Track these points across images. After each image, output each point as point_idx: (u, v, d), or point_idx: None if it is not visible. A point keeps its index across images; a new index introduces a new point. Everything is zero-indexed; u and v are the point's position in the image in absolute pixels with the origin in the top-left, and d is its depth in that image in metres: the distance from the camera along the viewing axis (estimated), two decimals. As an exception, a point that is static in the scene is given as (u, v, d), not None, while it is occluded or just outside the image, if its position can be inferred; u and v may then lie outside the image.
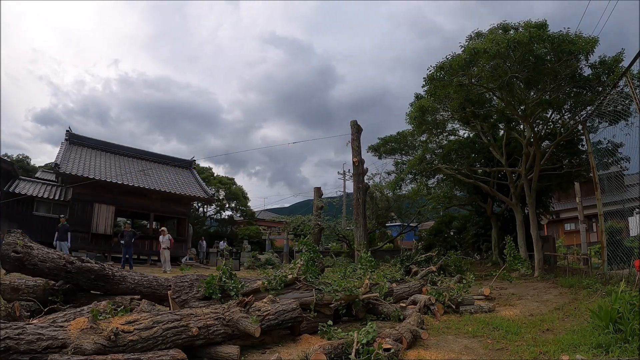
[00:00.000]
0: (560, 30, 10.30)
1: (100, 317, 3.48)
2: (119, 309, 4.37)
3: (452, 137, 16.78)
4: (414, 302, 6.52)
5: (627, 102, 9.67)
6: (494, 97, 13.08)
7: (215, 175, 32.69)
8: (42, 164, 33.72)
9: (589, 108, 11.54)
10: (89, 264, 5.22)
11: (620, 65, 10.30)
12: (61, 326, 3.14)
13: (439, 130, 15.54)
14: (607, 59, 10.67)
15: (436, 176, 18.50)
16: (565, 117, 12.99)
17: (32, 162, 36.94)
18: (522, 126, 14.11)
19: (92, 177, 18.14)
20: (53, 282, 5.18)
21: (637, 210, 10.45)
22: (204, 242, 23.29)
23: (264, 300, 4.67)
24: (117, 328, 3.17)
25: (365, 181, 17.38)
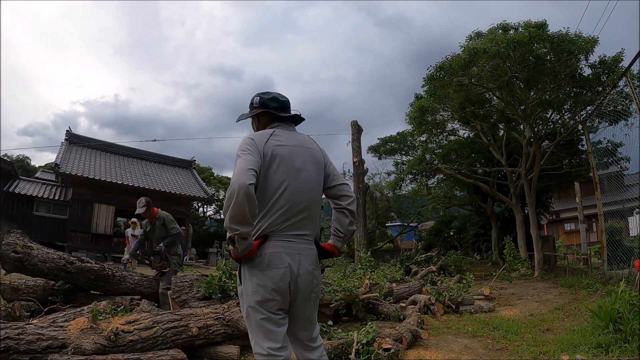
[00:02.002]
0: (560, 30, 10.31)
1: (100, 317, 3.48)
2: (119, 309, 4.37)
3: (452, 137, 16.77)
4: (414, 302, 6.51)
5: (627, 102, 9.66)
6: (494, 97, 13.08)
7: (215, 175, 32.75)
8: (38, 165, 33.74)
9: (589, 108, 11.54)
10: (88, 264, 5.23)
11: (620, 65, 10.29)
12: (61, 326, 3.14)
13: (439, 130, 15.55)
14: (607, 58, 10.66)
15: (436, 176, 18.51)
16: (565, 117, 12.98)
17: (31, 163, 37.01)
18: (522, 126, 14.10)
19: (92, 177, 18.16)
20: (53, 282, 5.18)
21: (637, 210, 10.45)
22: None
23: (264, 300, 4.66)
24: (117, 328, 3.17)
25: (365, 181, 17.40)
